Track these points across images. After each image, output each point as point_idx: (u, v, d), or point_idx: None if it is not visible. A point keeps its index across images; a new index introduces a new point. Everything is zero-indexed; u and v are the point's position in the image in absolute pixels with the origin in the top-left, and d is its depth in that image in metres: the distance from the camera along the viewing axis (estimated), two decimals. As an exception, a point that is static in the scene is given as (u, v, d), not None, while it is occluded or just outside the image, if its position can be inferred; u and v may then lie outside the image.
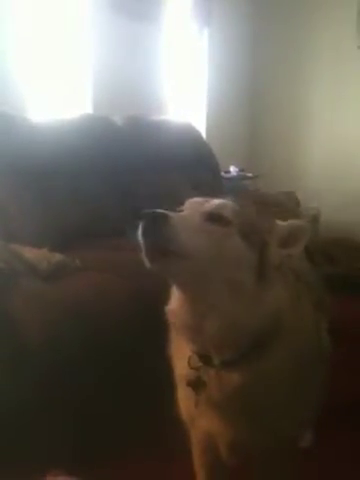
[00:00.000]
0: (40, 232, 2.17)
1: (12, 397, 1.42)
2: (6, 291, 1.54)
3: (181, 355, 0.97)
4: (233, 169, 4.06)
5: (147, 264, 0.82)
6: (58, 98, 3.07)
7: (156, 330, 0.93)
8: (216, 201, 0.91)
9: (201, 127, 4.01)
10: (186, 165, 3.17)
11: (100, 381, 1.55)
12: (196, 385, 0.93)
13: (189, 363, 0.93)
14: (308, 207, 3.61)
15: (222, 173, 3.70)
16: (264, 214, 0.98)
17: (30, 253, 1.77)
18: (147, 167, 2.90)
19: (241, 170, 4.09)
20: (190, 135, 3.37)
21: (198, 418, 1.00)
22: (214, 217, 0.87)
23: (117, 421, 1.58)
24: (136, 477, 1.48)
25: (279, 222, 0.94)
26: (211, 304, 0.85)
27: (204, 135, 3.84)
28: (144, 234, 0.81)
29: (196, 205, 0.91)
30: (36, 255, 1.77)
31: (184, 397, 1.00)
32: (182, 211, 0.90)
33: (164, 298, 0.94)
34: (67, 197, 2.41)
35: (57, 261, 1.77)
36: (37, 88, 2.93)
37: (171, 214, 0.82)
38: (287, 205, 2.95)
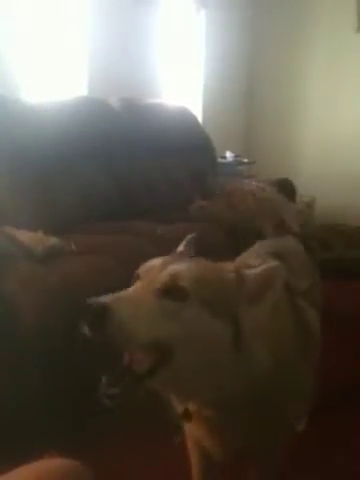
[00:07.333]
0: (35, 215, 2.15)
1: (9, 380, 1.43)
2: (1, 274, 1.53)
3: None
4: (229, 154, 4.05)
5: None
6: (53, 80, 3.03)
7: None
8: (171, 267, 0.77)
9: (198, 111, 3.98)
10: (182, 149, 3.15)
11: (97, 365, 1.55)
12: (185, 416, 0.90)
13: None
14: (303, 196, 3.61)
15: (218, 158, 3.69)
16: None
17: (25, 236, 1.76)
18: (143, 151, 2.88)
19: (237, 155, 4.08)
20: (186, 119, 3.35)
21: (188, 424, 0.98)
22: (169, 290, 0.74)
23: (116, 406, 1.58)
24: (134, 464, 1.48)
25: (247, 271, 0.81)
26: (190, 393, 0.81)
27: (200, 119, 3.81)
28: (90, 330, 0.70)
29: (151, 273, 0.79)
30: (31, 238, 1.76)
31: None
32: (138, 277, 0.81)
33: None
34: (62, 180, 2.39)
35: (52, 244, 1.76)
36: (32, 70, 2.89)
37: (115, 304, 0.70)
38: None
